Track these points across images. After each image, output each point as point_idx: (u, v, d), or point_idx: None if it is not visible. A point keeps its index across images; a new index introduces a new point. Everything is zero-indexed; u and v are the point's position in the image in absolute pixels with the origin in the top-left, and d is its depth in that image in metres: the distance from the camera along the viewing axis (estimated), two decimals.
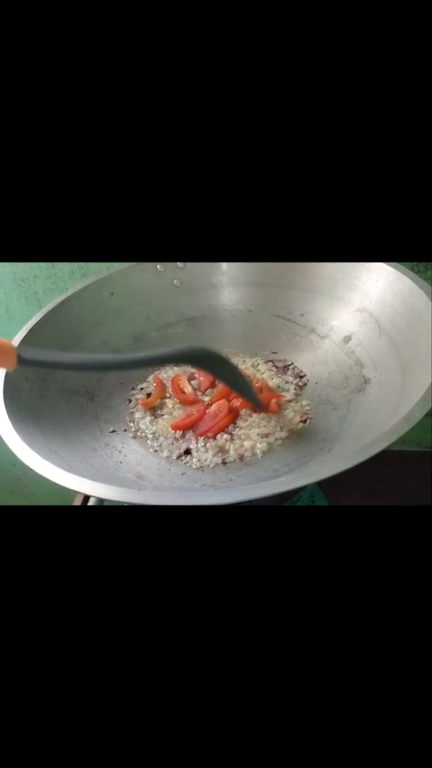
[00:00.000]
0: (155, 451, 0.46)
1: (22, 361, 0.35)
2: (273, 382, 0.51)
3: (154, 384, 0.53)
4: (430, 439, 0.72)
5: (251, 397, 0.45)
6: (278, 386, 0.51)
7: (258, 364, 0.54)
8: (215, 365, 0.43)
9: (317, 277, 0.54)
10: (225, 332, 0.59)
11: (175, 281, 0.60)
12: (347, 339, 0.50)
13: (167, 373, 0.55)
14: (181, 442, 0.46)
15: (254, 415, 0.47)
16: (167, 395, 0.52)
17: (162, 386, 0.52)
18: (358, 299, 0.50)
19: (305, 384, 0.50)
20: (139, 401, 0.51)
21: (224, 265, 0.60)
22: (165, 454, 0.46)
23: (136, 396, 0.52)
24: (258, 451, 0.44)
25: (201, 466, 0.44)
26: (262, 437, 0.45)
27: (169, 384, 0.53)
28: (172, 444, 0.46)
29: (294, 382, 0.51)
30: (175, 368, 0.55)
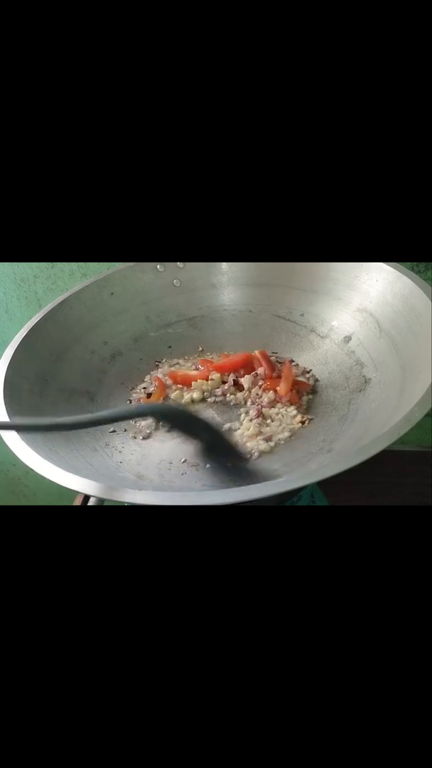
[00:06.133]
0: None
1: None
2: None
3: (155, 384, 0.53)
4: (430, 439, 0.72)
5: (229, 451, 0.43)
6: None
7: None
8: (189, 424, 0.42)
9: (317, 277, 0.54)
10: (225, 332, 0.59)
11: (175, 281, 0.60)
12: (347, 339, 0.50)
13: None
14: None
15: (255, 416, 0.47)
16: (167, 395, 0.52)
17: (162, 385, 0.52)
18: (358, 299, 0.50)
19: None
20: (140, 401, 0.51)
21: (224, 265, 0.60)
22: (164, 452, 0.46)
23: (137, 396, 0.52)
24: (257, 451, 0.44)
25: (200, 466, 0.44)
26: (262, 438, 0.45)
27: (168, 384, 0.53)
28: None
29: None
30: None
